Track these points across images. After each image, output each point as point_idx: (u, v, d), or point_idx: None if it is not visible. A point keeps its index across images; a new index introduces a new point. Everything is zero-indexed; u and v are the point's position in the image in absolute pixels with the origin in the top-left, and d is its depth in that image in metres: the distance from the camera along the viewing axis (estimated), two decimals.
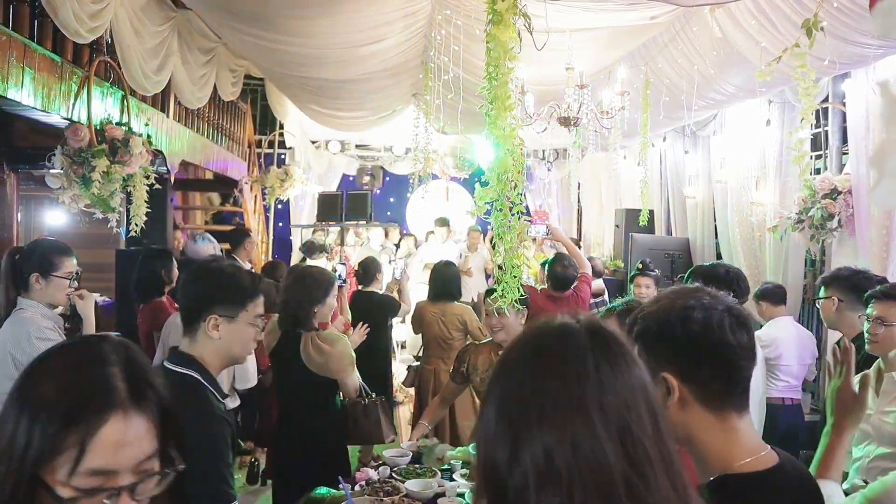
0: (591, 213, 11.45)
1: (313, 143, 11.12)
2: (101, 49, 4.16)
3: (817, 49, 3.58)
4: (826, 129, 5.82)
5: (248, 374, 3.95)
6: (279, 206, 10.70)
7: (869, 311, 2.67)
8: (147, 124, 4.63)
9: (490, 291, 3.29)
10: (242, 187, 8.66)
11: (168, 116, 5.54)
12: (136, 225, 4.33)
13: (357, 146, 11.93)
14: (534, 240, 7.38)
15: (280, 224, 11.19)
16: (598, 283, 6.98)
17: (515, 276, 2.39)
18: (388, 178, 12.44)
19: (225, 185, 8.84)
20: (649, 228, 8.67)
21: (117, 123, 4.27)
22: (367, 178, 11.89)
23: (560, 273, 4.83)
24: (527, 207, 12.53)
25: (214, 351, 1.85)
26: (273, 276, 5.63)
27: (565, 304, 4.84)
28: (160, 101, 5.36)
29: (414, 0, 4.46)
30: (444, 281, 5.08)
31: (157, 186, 4.60)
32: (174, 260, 4.80)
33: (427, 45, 5.19)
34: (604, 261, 8.72)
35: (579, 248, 9.62)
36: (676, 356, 1.21)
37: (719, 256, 7.32)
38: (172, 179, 5.71)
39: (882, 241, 4.73)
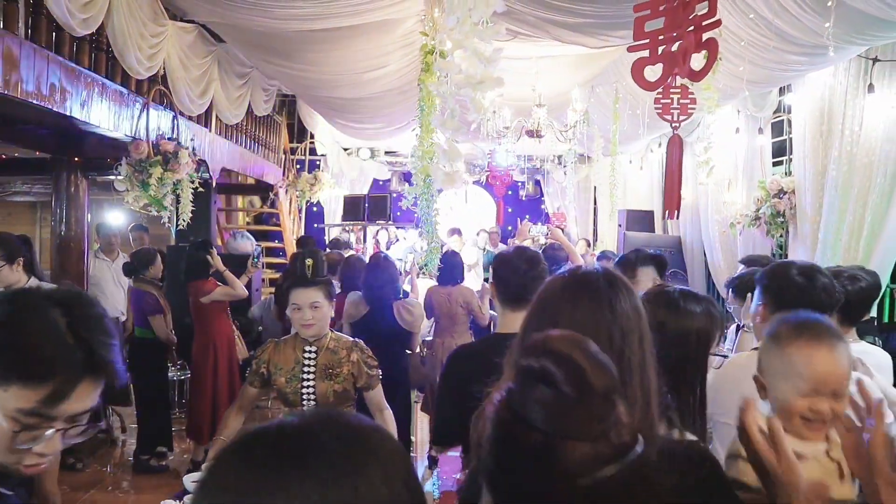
0: (604, 215, 12.16)
1: (345, 150, 12.09)
2: (157, 80, 5.20)
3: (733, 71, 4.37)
4: (790, 136, 6.52)
5: None
6: (315, 209, 11.79)
7: None
8: (192, 139, 5.67)
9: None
10: (278, 191, 9.70)
11: (210, 131, 6.58)
12: (184, 220, 5.32)
13: (386, 153, 12.90)
14: (533, 240, 8.20)
15: (315, 225, 12.22)
16: None
17: (434, 255, 3.30)
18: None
19: (262, 190, 9.88)
20: (650, 228, 9.43)
21: (169, 139, 5.31)
22: (404, 185, 12.84)
23: (550, 255, 5.65)
24: (545, 210, 13.39)
25: None
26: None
27: None
28: (204, 119, 6.41)
29: (410, 35, 5.39)
30: (450, 267, 5.96)
31: (201, 190, 5.61)
32: (214, 249, 5.79)
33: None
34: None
35: (589, 247, 10.44)
36: None
37: (704, 252, 8.04)
38: (214, 184, 6.73)
39: (813, 234, 5.46)
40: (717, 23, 2.27)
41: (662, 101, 2.50)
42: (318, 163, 11.43)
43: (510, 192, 12.82)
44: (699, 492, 1.17)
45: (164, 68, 5.01)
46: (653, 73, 2.41)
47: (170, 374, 6.11)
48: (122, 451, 5.85)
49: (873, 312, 5.12)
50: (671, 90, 2.44)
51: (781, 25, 3.68)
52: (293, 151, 11.01)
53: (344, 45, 5.12)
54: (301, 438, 0.66)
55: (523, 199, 12.44)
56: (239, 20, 4.73)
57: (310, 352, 2.87)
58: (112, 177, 5.59)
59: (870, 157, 4.91)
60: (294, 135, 10.96)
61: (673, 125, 2.61)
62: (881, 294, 3.73)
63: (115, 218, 9.59)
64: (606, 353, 0.93)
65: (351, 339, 2.99)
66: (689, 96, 2.50)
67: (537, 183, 13.36)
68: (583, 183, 12.10)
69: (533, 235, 8.05)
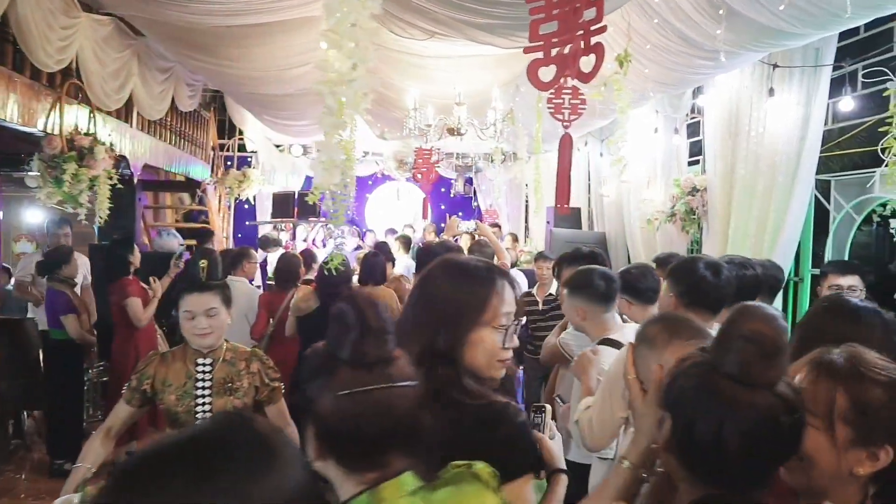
0: (537, 211, 12.38)
1: (278, 147, 11.96)
2: (70, 73, 5.06)
3: (640, 72, 4.56)
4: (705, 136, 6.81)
5: None
6: (247, 206, 11.62)
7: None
8: (110, 134, 5.53)
9: None
10: (205, 188, 9.54)
11: (132, 126, 6.43)
12: (100, 218, 5.20)
13: (318, 150, 12.80)
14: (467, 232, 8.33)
15: (247, 222, 12.04)
16: (515, 272, 7.92)
17: (338, 255, 3.36)
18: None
19: (190, 187, 9.70)
20: (576, 224, 9.67)
21: (85, 134, 5.17)
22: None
23: (476, 252, 5.73)
24: (478, 207, 13.56)
25: None
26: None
27: None
28: (124, 114, 6.26)
29: None
30: (369, 268, 6.00)
31: (120, 186, 5.49)
32: (136, 246, 5.68)
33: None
34: (532, 253, 9.67)
35: (516, 241, 10.64)
36: None
37: (627, 248, 8.31)
38: (136, 180, 6.58)
39: (723, 230, 5.73)
40: (603, 28, 2.40)
41: (555, 101, 2.62)
42: (249, 159, 11.28)
43: (443, 190, 12.95)
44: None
45: (76, 62, 4.88)
46: (547, 74, 2.53)
47: (90, 376, 5.96)
48: (36, 456, 5.66)
49: (778, 304, 5.45)
50: (563, 91, 2.56)
51: (685, 30, 3.86)
52: (223, 148, 10.84)
53: (265, 42, 5.09)
54: (213, 449, 0.66)
55: (452, 196, 12.55)
56: (155, 14, 4.65)
57: (204, 364, 2.55)
58: (25, 173, 5.43)
59: (773, 157, 5.18)
60: (225, 131, 10.79)
61: (564, 124, 2.73)
62: (782, 286, 3.95)
63: (33, 215, 9.24)
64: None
65: (248, 348, 2.69)
66: (580, 97, 2.62)
67: (469, 181, 13.52)
68: (515, 181, 12.30)
69: (461, 231, 8.16)
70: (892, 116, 2.76)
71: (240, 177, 9.67)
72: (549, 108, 2.66)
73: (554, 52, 2.45)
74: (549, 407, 1.64)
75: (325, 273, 3.76)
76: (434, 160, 6.94)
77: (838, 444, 1.28)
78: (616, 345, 2.52)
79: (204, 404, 2.50)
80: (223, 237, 10.35)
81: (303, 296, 4.61)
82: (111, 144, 5.34)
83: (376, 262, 6.12)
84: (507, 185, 13.22)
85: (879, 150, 3.04)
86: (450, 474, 1.23)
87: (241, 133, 10.23)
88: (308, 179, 12.91)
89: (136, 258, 5.43)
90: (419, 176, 7.51)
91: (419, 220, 11.04)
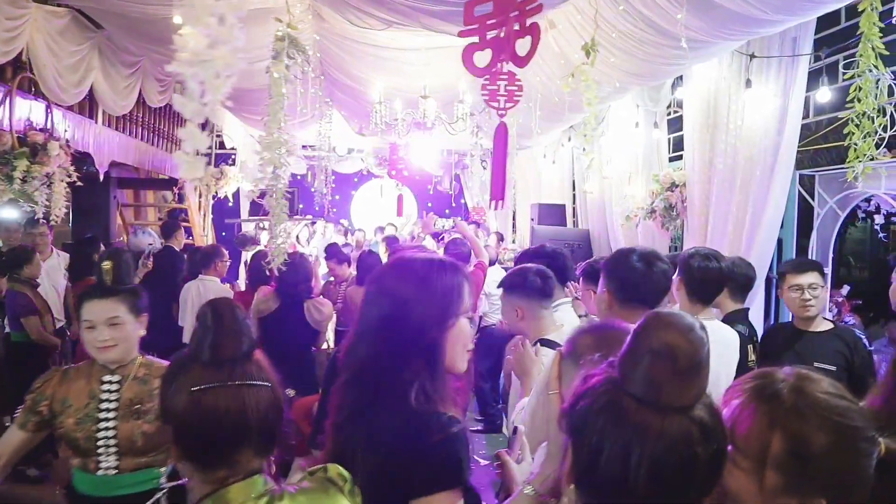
0: (522, 209, 12.25)
1: None
2: (23, 66, 4.89)
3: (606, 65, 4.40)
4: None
5: None
6: (231, 204, 11.45)
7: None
8: (67, 129, 5.36)
9: None
10: (183, 185, 9.37)
11: (97, 122, 6.26)
12: (56, 216, 5.03)
13: (303, 147, 12.64)
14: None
15: (226, 220, 11.89)
16: (497, 270, 7.76)
17: (283, 245, 3.20)
18: (333, 177, 13.20)
19: (166, 184, 9.54)
20: (560, 221, 9.52)
21: (41, 129, 5.00)
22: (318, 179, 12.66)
23: (454, 254, 5.57)
24: (465, 205, 13.43)
25: None
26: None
27: None
28: (88, 109, 6.08)
29: (299, 23, 5.22)
30: (364, 268, 5.81)
31: (80, 184, 5.32)
32: (102, 245, 5.54)
33: (322, 61, 5.95)
34: (515, 251, 9.52)
35: (502, 241, 10.49)
36: None
37: (610, 245, 8.14)
38: (102, 177, 6.41)
39: (702, 227, 5.57)
40: (539, 7, 2.24)
41: (489, 87, 2.45)
42: (232, 156, 11.10)
43: (429, 188, 12.79)
44: None
45: (27, 54, 4.71)
46: (483, 59, 2.37)
47: None
48: None
49: (758, 303, 5.30)
50: (499, 77, 2.40)
51: (651, 16, 3.71)
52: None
53: None
54: None
55: (430, 192, 12.43)
56: (110, 5, 4.49)
57: (110, 383, 2.22)
58: None
59: (751, 150, 5.02)
60: (205, 128, 10.59)
61: (499, 113, 2.57)
62: (753, 284, 3.80)
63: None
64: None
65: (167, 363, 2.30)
66: (517, 83, 2.46)
67: (457, 178, 13.36)
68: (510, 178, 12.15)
69: (438, 229, 8.04)
70: (855, 95, 2.58)
71: (217, 174, 9.50)
72: (483, 94, 2.50)
73: (489, 35, 2.30)
74: (522, 427, 1.54)
75: (267, 274, 3.61)
76: (404, 155, 6.77)
77: (765, 490, 1.10)
78: (553, 345, 2.36)
79: (107, 429, 2.16)
80: (202, 235, 10.19)
81: (262, 297, 4.47)
82: (67, 141, 5.17)
83: (372, 261, 5.96)
84: None
85: (850, 142, 2.88)
86: (302, 478, 1.25)
87: (219, 130, 10.05)
88: (293, 177, 12.76)
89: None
90: (394, 172, 7.35)
91: (397, 218, 10.90)
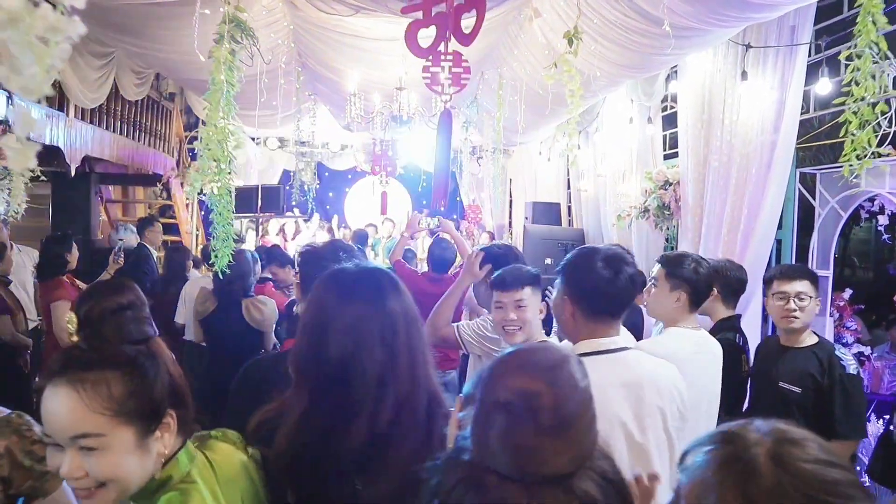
0: (519, 207, 12.01)
1: (254, 139, 11.56)
2: None
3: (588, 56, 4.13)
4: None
5: None
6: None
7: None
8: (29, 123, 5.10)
9: None
10: (167, 181, 9.13)
11: (68, 115, 6.01)
12: (14, 213, 4.80)
13: (296, 143, 12.41)
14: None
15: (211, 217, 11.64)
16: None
17: (226, 244, 2.95)
18: (327, 174, 12.96)
19: (150, 180, 9.30)
20: (555, 220, 9.24)
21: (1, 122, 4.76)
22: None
23: (438, 255, 5.25)
24: (461, 202, 13.19)
25: None
26: None
27: (446, 285, 5.33)
28: (58, 102, 5.83)
29: (273, 12, 4.97)
30: None
31: (44, 179, 5.09)
32: (74, 244, 5.31)
33: (300, 52, 5.69)
34: None
35: (492, 240, 10.23)
36: None
37: None
38: (74, 172, 6.17)
39: (696, 226, 5.31)
40: None
41: (432, 69, 2.20)
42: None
43: (421, 183, 12.53)
44: None
45: None
46: (428, 38, 2.12)
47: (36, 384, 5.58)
48: None
49: (754, 309, 5.02)
50: (443, 58, 2.15)
51: (637, 0, 3.44)
52: (191, 140, 10.41)
53: (191, 23, 4.67)
54: None
55: (419, 189, 12.17)
56: None
57: None
58: None
59: (746, 146, 4.75)
60: (192, 123, 10.37)
61: (443, 98, 2.31)
62: (744, 287, 3.54)
63: None
64: (377, 346, 1.31)
65: (4, 412, 1.72)
66: (463, 64, 2.20)
67: (453, 175, 13.09)
68: (500, 175, 11.90)
69: (422, 228, 7.79)
70: (853, 77, 2.29)
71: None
72: (424, 78, 2.24)
73: (434, 11, 2.05)
74: None
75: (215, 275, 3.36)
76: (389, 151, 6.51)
77: None
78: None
79: None
80: (188, 232, 9.97)
81: (199, 297, 4.19)
82: (28, 135, 4.91)
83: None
84: (491, 180, 12.86)
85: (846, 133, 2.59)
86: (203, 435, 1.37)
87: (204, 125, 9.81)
88: (286, 173, 12.51)
89: (73, 256, 5.10)
90: (378, 168, 7.10)
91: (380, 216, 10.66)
